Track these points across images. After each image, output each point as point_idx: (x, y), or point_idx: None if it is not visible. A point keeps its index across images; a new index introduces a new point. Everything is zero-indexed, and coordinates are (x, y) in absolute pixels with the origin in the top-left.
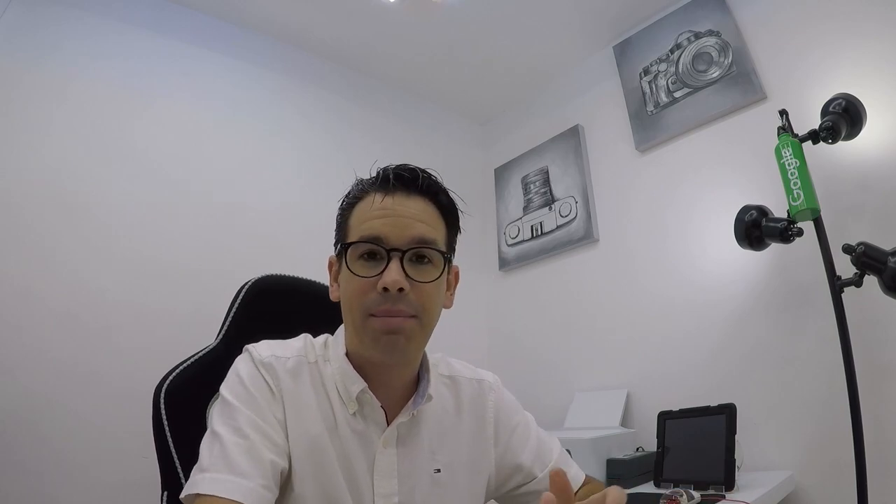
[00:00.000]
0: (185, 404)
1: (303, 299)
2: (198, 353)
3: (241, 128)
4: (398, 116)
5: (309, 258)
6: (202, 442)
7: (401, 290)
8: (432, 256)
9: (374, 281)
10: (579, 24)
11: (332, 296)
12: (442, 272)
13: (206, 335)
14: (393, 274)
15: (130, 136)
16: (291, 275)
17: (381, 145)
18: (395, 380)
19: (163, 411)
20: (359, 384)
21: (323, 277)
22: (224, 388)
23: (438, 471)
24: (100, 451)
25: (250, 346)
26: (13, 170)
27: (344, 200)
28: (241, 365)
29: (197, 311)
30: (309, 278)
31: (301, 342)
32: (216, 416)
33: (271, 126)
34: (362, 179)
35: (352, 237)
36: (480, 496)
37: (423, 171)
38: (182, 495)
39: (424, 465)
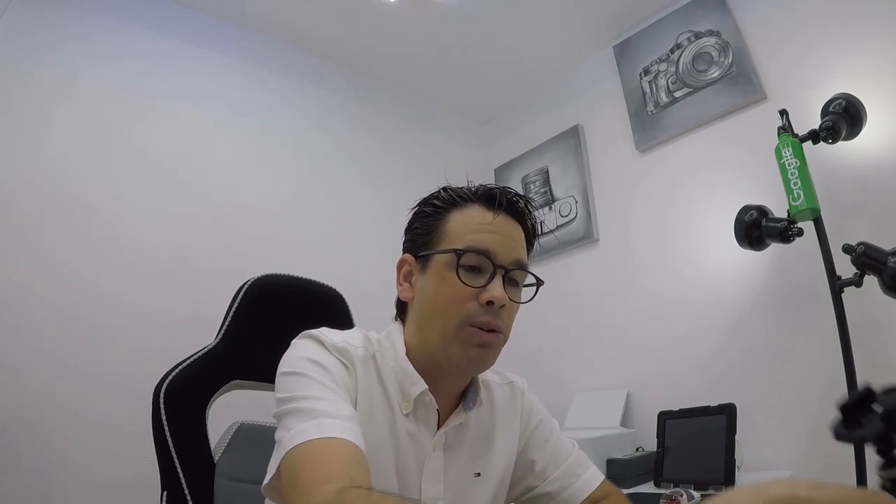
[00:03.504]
0: (184, 404)
1: (302, 299)
2: (197, 352)
3: (241, 128)
4: (398, 116)
5: (309, 258)
6: (280, 411)
7: (502, 305)
8: (520, 280)
9: (476, 292)
10: (579, 24)
11: (403, 295)
12: (533, 295)
13: (205, 335)
14: (501, 289)
15: (130, 135)
16: (291, 274)
17: (381, 145)
18: (454, 386)
19: (162, 411)
20: (420, 385)
21: (322, 277)
22: (290, 367)
23: (478, 474)
24: (100, 451)
25: (315, 332)
26: (13, 170)
27: (428, 204)
28: (308, 348)
29: (197, 311)
30: (309, 278)
31: (360, 334)
32: (295, 385)
33: (271, 126)
34: (455, 188)
35: (455, 244)
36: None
37: (525, 198)
38: (289, 448)
39: (466, 468)
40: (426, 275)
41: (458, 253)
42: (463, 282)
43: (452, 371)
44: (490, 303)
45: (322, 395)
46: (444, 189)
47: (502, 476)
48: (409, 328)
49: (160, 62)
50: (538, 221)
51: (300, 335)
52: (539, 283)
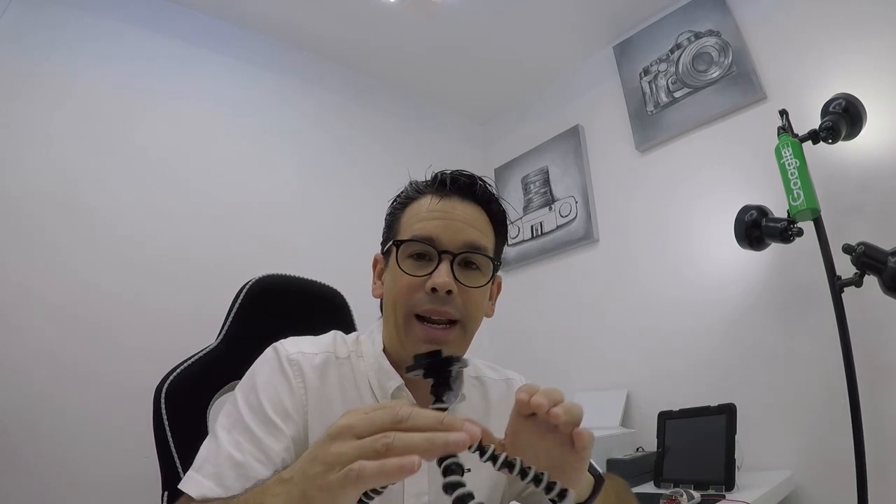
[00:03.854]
0: (185, 404)
1: (303, 299)
2: (198, 352)
3: (241, 128)
4: (398, 116)
5: (309, 258)
6: (206, 439)
7: (449, 292)
8: (481, 263)
9: (423, 281)
10: (579, 24)
11: (374, 293)
12: (490, 279)
13: (206, 335)
14: (443, 275)
15: (131, 135)
16: (292, 274)
17: (381, 145)
18: None
19: (163, 411)
20: (395, 380)
21: (323, 277)
22: (238, 390)
23: (469, 470)
24: (100, 451)
25: (277, 344)
26: (14, 170)
27: (395, 201)
28: (260, 366)
29: (197, 311)
30: (309, 278)
31: (330, 338)
32: (222, 417)
33: (271, 126)
34: (416, 181)
35: (403, 236)
36: (506, 496)
37: (480, 178)
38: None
39: None
40: (387, 271)
41: (397, 243)
42: (405, 271)
43: None
44: (434, 290)
45: (225, 434)
46: (411, 183)
47: (496, 472)
48: (383, 324)
49: (160, 62)
50: (495, 196)
51: (271, 346)
52: (496, 264)
